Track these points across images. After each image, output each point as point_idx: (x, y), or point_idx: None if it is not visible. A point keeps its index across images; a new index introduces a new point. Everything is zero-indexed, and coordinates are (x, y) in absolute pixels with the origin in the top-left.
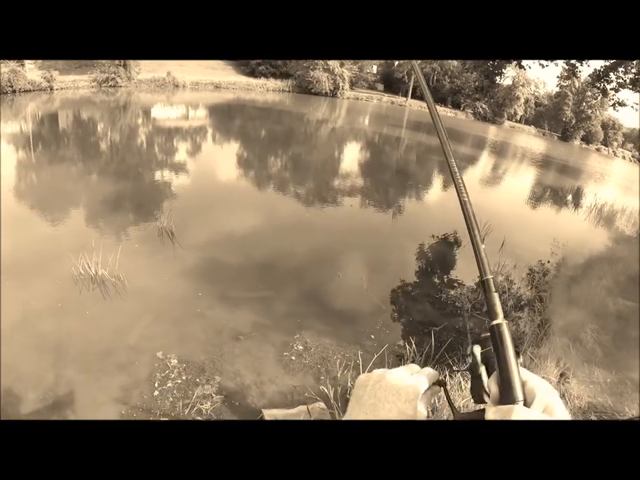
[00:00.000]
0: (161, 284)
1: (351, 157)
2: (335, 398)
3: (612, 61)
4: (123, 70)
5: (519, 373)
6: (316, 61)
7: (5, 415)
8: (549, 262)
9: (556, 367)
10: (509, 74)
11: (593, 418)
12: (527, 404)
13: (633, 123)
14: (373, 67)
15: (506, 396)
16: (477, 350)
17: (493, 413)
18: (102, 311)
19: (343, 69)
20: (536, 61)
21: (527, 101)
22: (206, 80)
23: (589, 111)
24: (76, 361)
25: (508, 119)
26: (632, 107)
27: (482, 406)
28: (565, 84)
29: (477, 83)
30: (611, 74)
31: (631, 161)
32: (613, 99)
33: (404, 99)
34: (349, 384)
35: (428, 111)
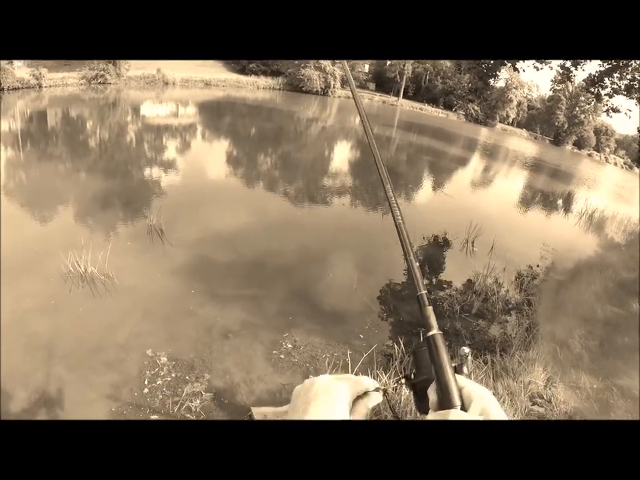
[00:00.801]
0: (151, 282)
1: (341, 156)
2: None
3: (607, 66)
4: (112, 67)
5: (456, 380)
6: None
7: (5, 415)
8: (538, 266)
9: (543, 371)
10: (502, 76)
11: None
12: (464, 408)
13: (625, 130)
14: (365, 66)
15: (444, 402)
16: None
17: (431, 418)
18: (91, 308)
19: (335, 67)
20: (531, 64)
21: (519, 103)
22: (196, 77)
23: (582, 116)
24: (66, 359)
25: (500, 122)
26: (625, 113)
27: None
28: (558, 88)
29: (470, 85)
30: (606, 79)
31: (622, 167)
32: (606, 105)
33: (395, 98)
34: None
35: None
